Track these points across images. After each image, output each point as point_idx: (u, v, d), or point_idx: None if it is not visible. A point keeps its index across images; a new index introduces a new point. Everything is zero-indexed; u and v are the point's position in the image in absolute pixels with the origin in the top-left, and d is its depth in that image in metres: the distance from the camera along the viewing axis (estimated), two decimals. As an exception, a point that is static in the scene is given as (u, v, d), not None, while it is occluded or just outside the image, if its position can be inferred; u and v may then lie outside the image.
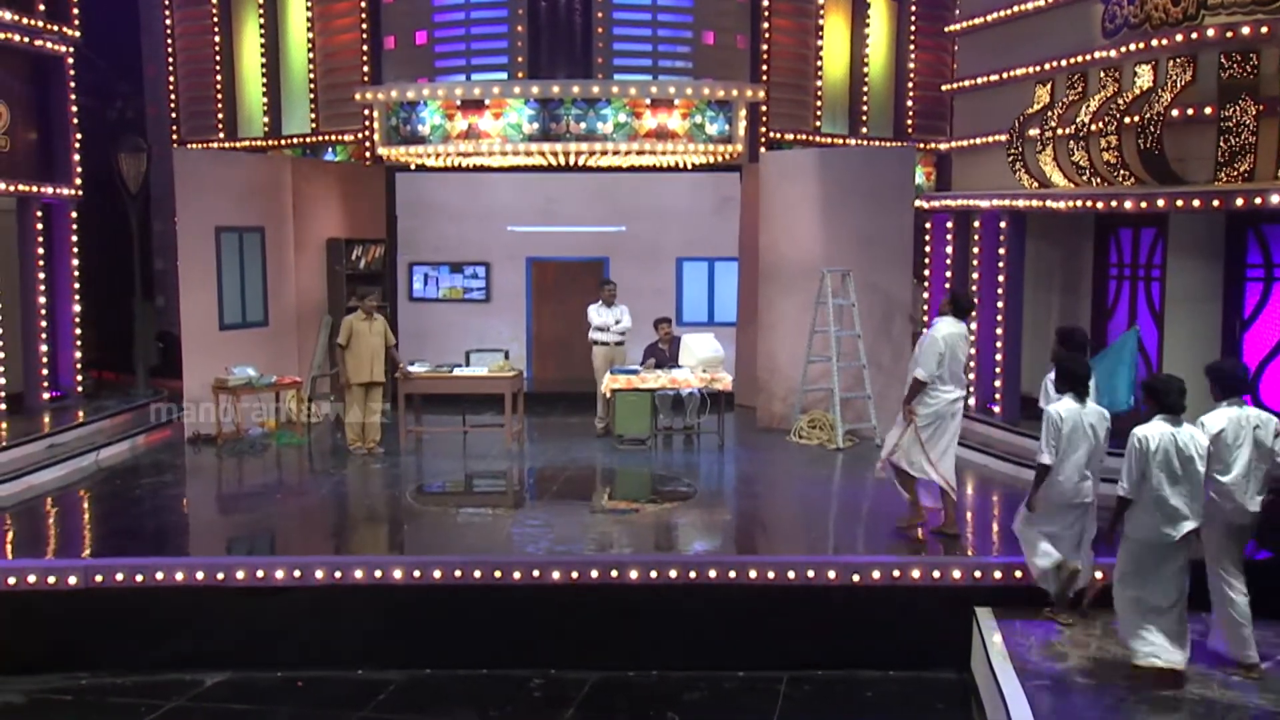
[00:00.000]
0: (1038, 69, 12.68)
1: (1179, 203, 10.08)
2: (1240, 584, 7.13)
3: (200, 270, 13.21)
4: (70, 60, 14.06)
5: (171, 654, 8.23)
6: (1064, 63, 12.13)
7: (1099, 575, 7.93)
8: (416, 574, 8.32)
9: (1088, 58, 11.77)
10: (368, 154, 15.90)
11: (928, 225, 15.25)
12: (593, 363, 13.68)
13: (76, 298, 14.21)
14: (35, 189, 13.47)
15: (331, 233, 15.18)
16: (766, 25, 15.82)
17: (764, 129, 15.81)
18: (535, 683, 8.09)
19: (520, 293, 17.18)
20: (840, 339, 12.94)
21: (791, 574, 8.31)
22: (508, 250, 17.01)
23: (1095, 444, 7.58)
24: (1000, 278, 13.00)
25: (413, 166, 15.49)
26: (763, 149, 15.39)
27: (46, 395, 13.70)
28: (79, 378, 14.29)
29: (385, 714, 7.68)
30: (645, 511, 10.44)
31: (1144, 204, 10.34)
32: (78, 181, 14.13)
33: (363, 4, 15.90)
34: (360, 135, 16.10)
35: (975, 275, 13.70)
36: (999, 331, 12.90)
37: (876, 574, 8.32)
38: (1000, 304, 12.92)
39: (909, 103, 17.49)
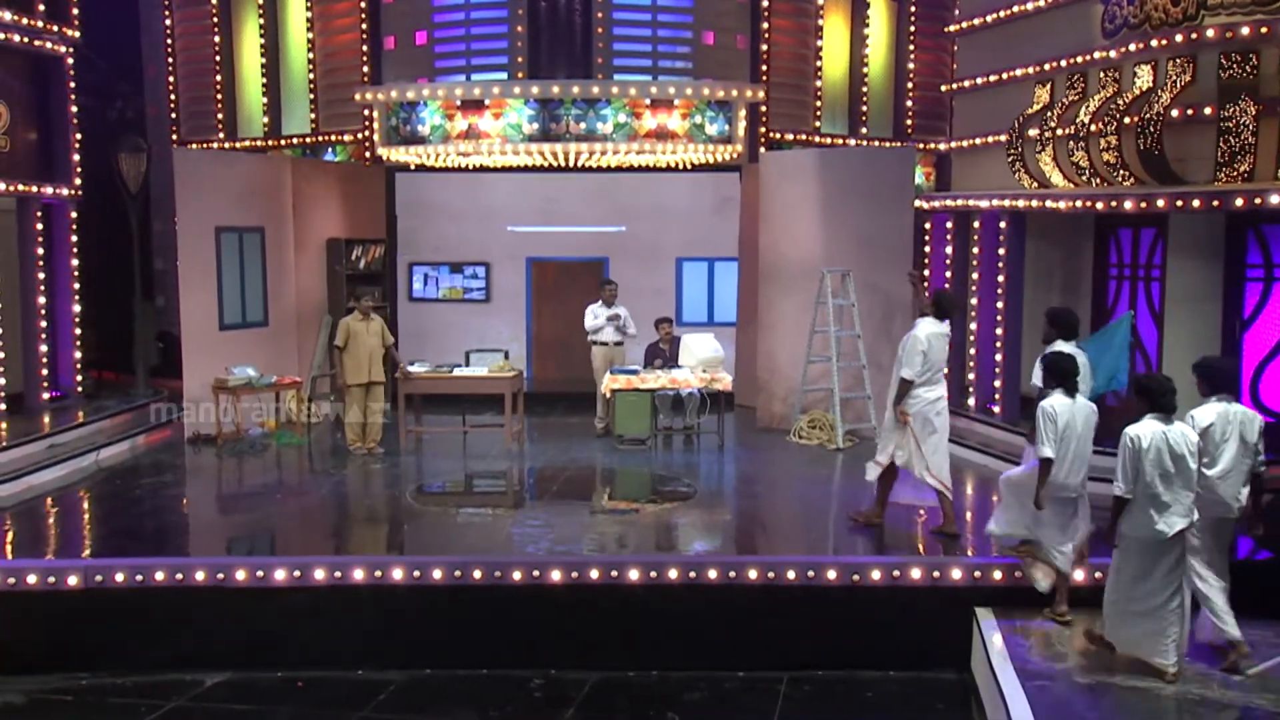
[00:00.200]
0: (1037, 69, 12.69)
1: (1179, 203, 10.09)
2: (1215, 578, 7.23)
3: (200, 270, 13.21)
4: (70, 60, 14.07)
5: (172, 654, 8.22)
6: (1064, 63, 12.14)
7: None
8: (416, 574, 8.32)
9: (1087, 58, 11.78)
10: (368, 154, 15.90)
11: (927, 225, 15.25)
12: (592, 363, 13.68)
13: (76, 298, 14.22)
14: (35, 189, 13.48)
15: (331, 233, 15.19)
16: (766, 25, 15.82)
17: (764, 129, 15.81)
18: (535, 683, 8.09)
19: (520, 293, 17.18)
20: (840, 339, 12.94)
21: (791, 574, 8.31)
22: (508, 250, 17.02)
23: (1084, 442, 7.71)
24: (1000, 278, 13.01)
25: (413, 166, 15.49)
26: (762, 149, 15.39)
27: (46, 395, 13.70)
28: (79, 378, 14.29)
29: (385, 714, 7.68)
30: (645, 512, 10.44)
31: (1144, 204, 10.35)
32: (78, 181, 14.13)
33: (362, 4, 15.90)
34: (360, 135, 16.10)
35: (975, 275, 13.72)
36: (999, 332, 12.91)
37: (876, 574, 8.32)
38: (1000, 304, 12.93)
39: (909, 103, 17.49)
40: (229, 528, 10.29)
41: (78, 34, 14.02)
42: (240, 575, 8.29)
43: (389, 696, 7.89)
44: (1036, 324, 12.53)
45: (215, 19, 17.29)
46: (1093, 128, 11.22)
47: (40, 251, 13.69)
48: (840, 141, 16.71)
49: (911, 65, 17.45)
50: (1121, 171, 10.87)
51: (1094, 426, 7.81)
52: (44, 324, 13.71)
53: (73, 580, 8.21)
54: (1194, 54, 10.41)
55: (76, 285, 14.22)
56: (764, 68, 15.80)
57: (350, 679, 8.15)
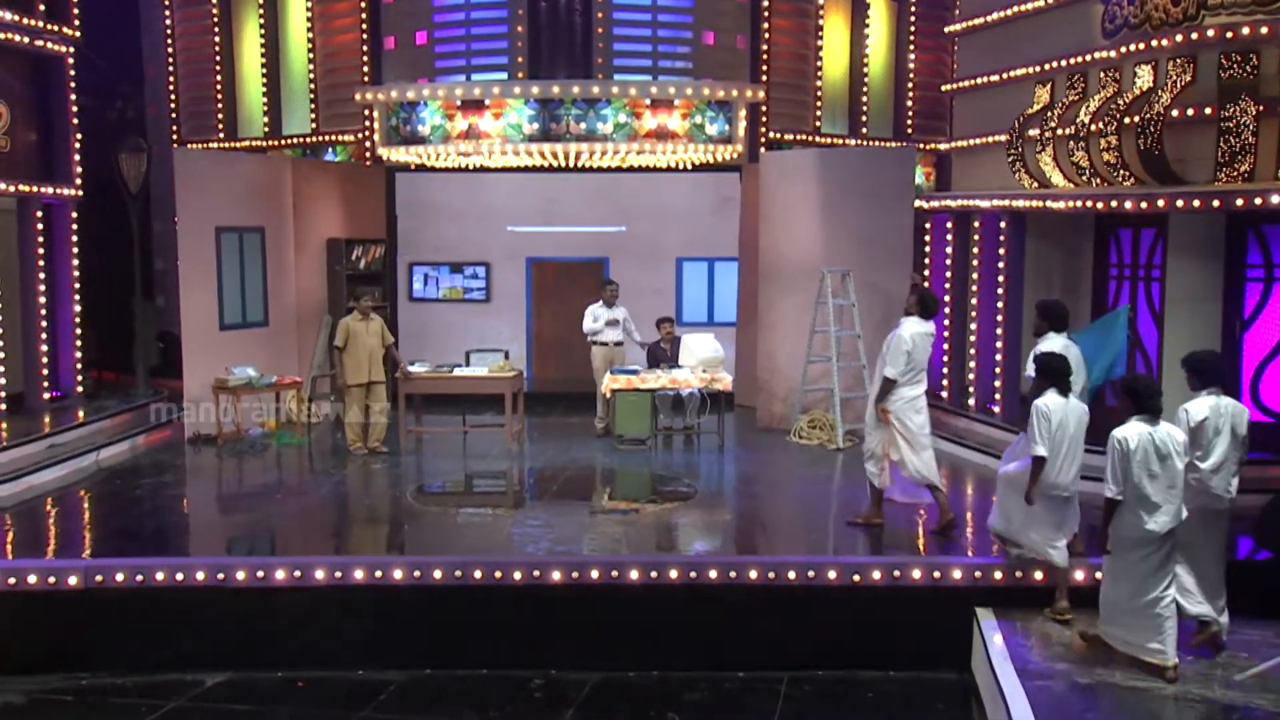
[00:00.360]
0: (1038, 69, 12.69)
1: (1179, 203, 10.09)
2: (1188, 566, 7.33)
3: (200, 270, 13.21)
4: (70, 60, 14.07)
5: (172, 654, 8.23)
6: (1064, 63, 12.13)
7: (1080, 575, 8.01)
8: (417, 574, 8.32)
9: (1088, 58, 11.77)
10: (368, 154, 15.90)
11: (928, 225, 15.25)
12: (592, 363, 13.68)
13: (77, 298, 14.22)
14: (35, 189, 13.47)
15: (332, 233, 15.19)
16: (766, 25, 15.82)
17: (764, 129, 15.81)
18: (536, 683, 8.09)
19: (520, 293, 17.18)
20: (840, 339, 12.94)
21: (792, 574, 8.31)
22: (508, 250, 17.02)
23: (1076, 441, 7.80)
24: (1000, 278, 13.02)
25: (413, 167, 15.48)
26: (763, 149, 15.39)
27: (47, 395, 13.70)
28: (79, 378, 14.29)
29: (386, 714, 7.68)
30: (645, 512, 10.44)
31: (1144, 204, 10.35)
32: (78, 181, 14.13)
33: (363, 4, 15.89)
34: (360, 135, 16.10)
35: (975, 275, 13.72)
36: (999, 331, 12.91)
37: (877, 574, 8.32)
38: (1000, 304, 12.93)
39: (909, 103, 17.49)
40: (229, 528, 10.29)
41: (78, 34, 14.02)
42: (240, 575, 8.29)
43: (389, 696, 7.89)
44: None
45: (215, 19, 17.29)
46: (1093, 128, 11.22)
47: (40, 251, 13.69)
48: (840, 141, 16.71)
49: (912, 65, 17.45)
50: (1122, 171, 10.87)
51: (1085, 426, 7.89)
52: (44, 324, 13.71)
53: (73, 580, 8.21)
54: (1194, 54, 10.41)
55: (77, 285, 14.22)
56: (764, 68, 15.80)
57: (351, 679, 8.15)
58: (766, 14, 15.79)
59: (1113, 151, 10.86)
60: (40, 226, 13.69)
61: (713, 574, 8.34)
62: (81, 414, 13.24)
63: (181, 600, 8.27)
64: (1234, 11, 10.08)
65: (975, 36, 14.43)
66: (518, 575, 8.31)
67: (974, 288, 13.68)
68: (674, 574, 8.33)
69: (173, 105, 17.92)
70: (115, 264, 15.80)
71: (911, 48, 17.42)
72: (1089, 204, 11.01)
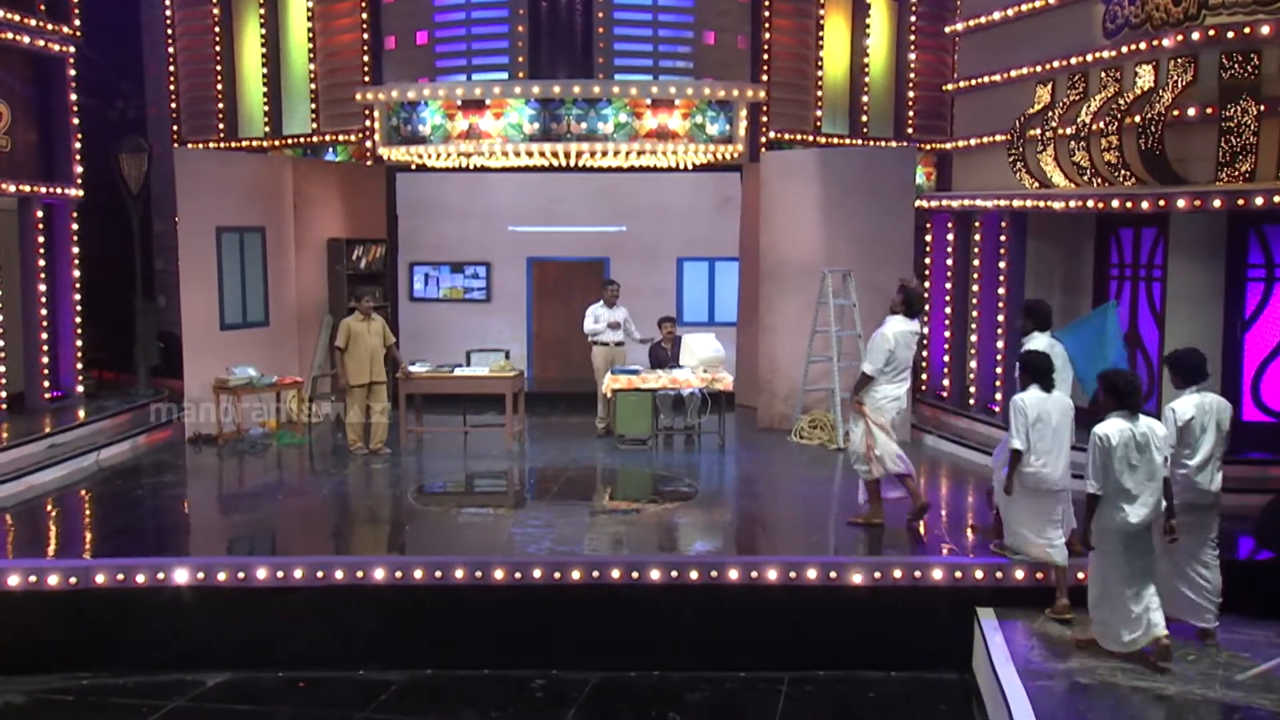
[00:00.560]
0: (1038, 69, 12.68)
1: (1180, 203, 10.08)
2: (1210, 557, 7.56)
3: (201, 270, 13.21)
4: (71, 60, 14.06)
5: (173, 654, 8.23)
6: (1065, 63, 12.12)
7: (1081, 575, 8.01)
8: (418, 574, 8.32)
9: (1089, 58, 11.77)
10: (368, 154, 15.90)
11: (928, 225, 15.25)
12: (593, 363, 13.68)
13: (77, 297, 14.21)
14: (36, 189, 13.47)
15: (332, 233, 15.19)
16: (767, 25, 15.81)
17: (764, 129, 15.80)
18: (537, 683, 8.09)
19: (521, 293, 17.18)
20: (841, 339, 12.94)
21: (793, 574, 8.31)
22: (508, 250, 17.02)
23: (1060, 434, 7.97)
24: (1001, 278, 13.01)
25: (413, 166, 15.48)
26: (763, 149, 15.39)
27: (47, 395, 13.70)
28: (80, 377, 14.29)
29: (387, 714, 7.68)
30: (646, 512, 10.44)
31: (1145, 204, 10.34)
32: (79, 181, 14.13)
33: (363, 4, 15.89)
34: (361, 135, 16.09)
35: (976, 275, 13.71)
36: (1000, 331, 12.91)
37: (878, 574, 8.32)
38: (1001, 304, 12.92)
39: (909, 103, 17.49)
40: (230, 528, 10.28)
41: (78, 33, 14.02)
42: (241, 575, 8.29)
43: (390, 697, 7.89)
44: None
45: (216, 18, 17.30)
46: (1094, 127, 11.21)
47: (41, 251, 13.68)
48: (841, 141, 16.70)
49: (912, 65, 17.45)
50: (1123, 171, 10.86)
51: (1071, 419, 8.06)
52: (45, 324, 13.70)
53: (73, 580, 8.21)
54: (1195, 54, 10.41)
55: (77, 285, 14.21)
56: (765, 67, 15.80)
57: (351, 679, 8.15)
58: (767, 14, 15.79)
59: (1114, 151, 10.85)
60: (41, 226, 13.68)
61: (713, 574, 8.34)
62: (82, 414, 13.24)
63: (182, 600, 8.27)
64: (1235, 11, 10.08)
65: (976, 36, 14.42)
66: (518, 575, 8.31)
67: (975, 288, 13.67)
68: (675, 574, 8.33)
69: (173, 105, 17.92)
70: (116, 264, 15.79)
71: (912, 47, 17.42)
72: (1090, 204, 11.01)
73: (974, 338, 13.63)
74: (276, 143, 17.02)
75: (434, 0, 15.48)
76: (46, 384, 13.70)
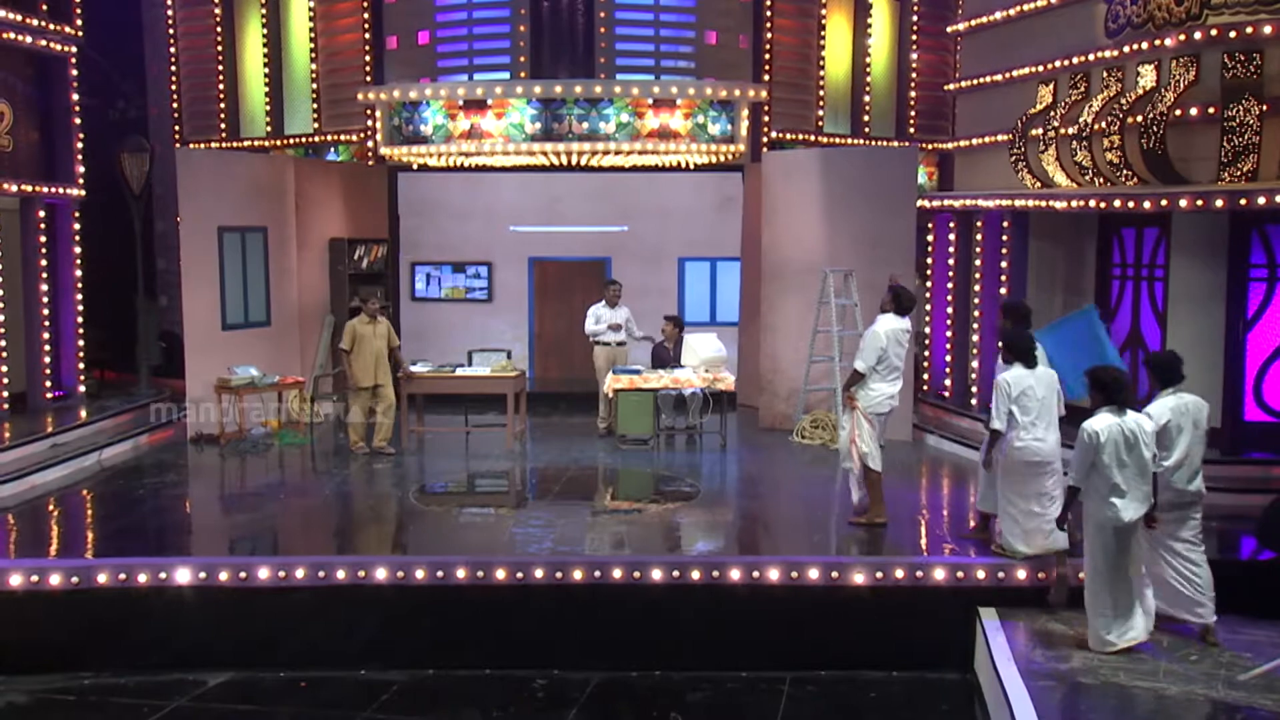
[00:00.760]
0: (1040, 69, 12.68)
1: (1182, 203, 10.08)
2: (1196, 554, 7.63)
3: (203, 270, 13.21)
4: (73, 60, 14.07)
5: (174, 654, 8.22)
6: (1067, 62, 12.12)
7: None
8: (419, 574, 8.32)
9: (1091, 57, 11.76)
10: (370, 154, 15.90)
11: (930, 225, 15.24)
12: (595, 362, 13.67)
13: (79, 297, 14.22)
14: (38, 189, 13.48)
15: (334, 232, 15.19)
16: (769, 25, 15.83)
17: (766, 129, 15.80)
18: (538, 683, 8.09)
19: (522, 292, 17.18)
20: (843, 339, 12.92)
21: (794, 574, 8.30)
22: (510, 250, 17.02)
23: (1047, 406, 8.16)
24: (1003, 278, 13.00)
25: (415, 166, 15.49)
26: (765, 149, 15.39)
27: (49, 395, 13.71)
28: (82, 377, 14.30)
29: (388, 714, 7.67)
30: (648, 512, 10.43)
31: (1147, 204, 10.33)
32: (80, 181, 14.15)
33: (365, 4, 15.91)
34: (362, 135, 16.11)
35: (978, 275, 13.71)
36: (1002, 331, 12.88)
37: (879, 574, 8.31)
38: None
39: (911, 102, 17.49)
40: (232, 528, 10.28)
41: (80, 34, 14.03)
42: (242, 575, 8.29)
43: (391, 697, 7.89)
44: (1039, 325, 12.60)
45: (218, 19, 17.32)
46: (1096, 127, 11.20)
47: (43, 251, 13.69)
48: (843, 141, 16.70)
49: (914, 65, 17.45)
50: (1125, 171, 10.86)
51: (1058, 391, 8.26)
52: (47, 324, 13.72)
53: (75, 580, 8.21)
54: (1197, 53, 10.40)
55: (79, 285, 14.22)
56: (766, 67, 15.81)
57: (353, 679, 8.15)
58: (769, 13, 15.80)
59: (1116, 151, 10.84)
60: (43, 226, 13.70)
61: (715, 574, 8.33)
62: (84, 413, 13.25)
63: (183, 600, 8.27)
64: (1237, 11, 10.07)
65: (978, 36, 14.42)
66: (520, 575, 8.31)
67: (976, 287, 13.66)
68: (676, 574, 8.32)
69: (175, 105, 17.94)
70: (118, 264, 15.81)
71: (914, 47, 17.42)
72: (1092, 204, 11.00)
73: (976, 337, 13.62)
74: (278, 142, 17.04)
75: (435, 0, 15.50)
76: (48, 384, 13.72)
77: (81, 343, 14.27)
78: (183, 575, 8.27)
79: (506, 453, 12.61)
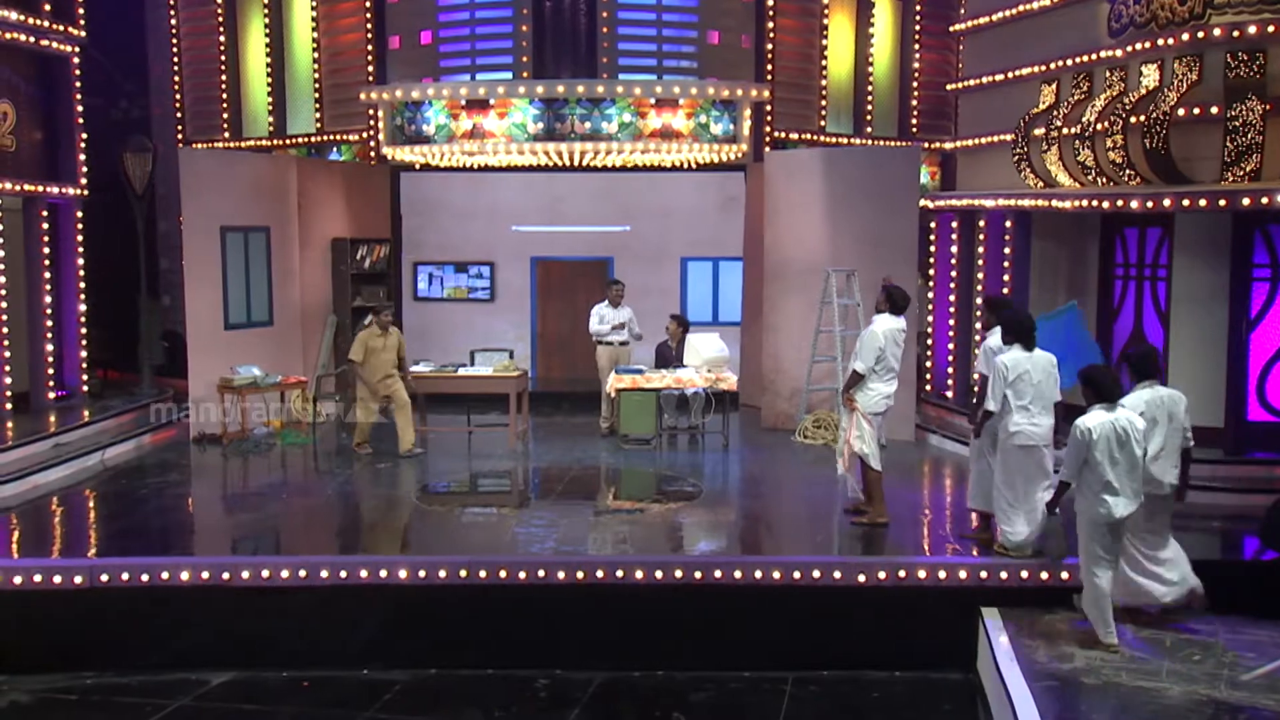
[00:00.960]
0: (1043, 68, 12.67)
1: (1185, 202, 10.07)
2: (1161, 546, 7.78)
3: (205, 270, 13.22)
4: (76, 60, 14.09)
5: (177, 654, 8.23)
6: (1069, 62, 12.11)
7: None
8: (422, 574, 8.32)
9: (1093, 57, 11.75)
10: (372, 154, 15.91)
11: (933, 225, 15.24)
12: (597, 362, 13.67)
13: (82, 297, 14.24)
14: (41, 188, 13.49)
15: (336, 232, 15.20)
16: (771, 25, 15.83)
17: (769, 129, 15.80)
18: (541, 683, 8.09)
19: (525, 292, 17.18)
20: (845, 339, 12.92)
21: (797, 574, 8.30)
22: (512, 250, 17.02)
23: (1042, 390, 8.20)
24: (1005, 277, 12.99)
25: (417, 166, 15.49)
26: (767, 149, 15.39)
27: (52, 394, 13.73)
28: (84, 377, 14.31)
29: (390, 714, 7.68)
30: (650, 511, 10.43)
31: (1150, 204, 10.33)
32: (83, 181, 14.16)
33: (368, 4, 15.92)
34: (365, 135, 16.11)
35: (980, 275, 13.70)
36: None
37: (882, 574, 8.31)
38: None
39: (914, 102, 17.47)
40: (234, 527, 10.29)
41: (83, 34, 14.04)
42: (245, 575, 8.30)
43: (394, 696, 7.89)
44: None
45: (220, 19, 17.32)
46: (1099, 127, 11.19)
47: (46, 251, 13.71)
48: (845, 141, 16.69)
49: (917, 64, 17.44)
50: (1127, 171, 10.84)
51: (1054, 375, 8.29)
52: (50, 323, 13.73)
53: (78, 580, 8.22)
54: (1200, 53, 10.39)
55: (82, 285, 14.24)
56: (769, 67, 15.80)
57: (355, 679, 8.15)
58: (771, 13, 15.80)
59: (1118, 151, 10.83)
60: (46, 226, 13.71)
61: (718, 574, 8.33)
62: (87, 413, 13.27)
63: (186, 600, 8.28)
64: (1240, 10, 10.06)
65: (980, 36, 14.41)
66: (522, 575, 8.31)
67: (979, 287, 13.66)
68: (679, 574, 8.32)
69: (178, 105, 17.95)
70: (120, 263, 15.81)
71: (916, 47, 17.40)
72: (1095, 203, 10.99)
73: (978, 338, 13.59)
74: (281, 142, 17.04)
75: (438, 0, 15.50)
76: (51, 383, 13.73)
77: (84, 342, 14.28)
78: (185, 575, 8.27)
79: (509, 452, 12.61)
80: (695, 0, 15.41)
